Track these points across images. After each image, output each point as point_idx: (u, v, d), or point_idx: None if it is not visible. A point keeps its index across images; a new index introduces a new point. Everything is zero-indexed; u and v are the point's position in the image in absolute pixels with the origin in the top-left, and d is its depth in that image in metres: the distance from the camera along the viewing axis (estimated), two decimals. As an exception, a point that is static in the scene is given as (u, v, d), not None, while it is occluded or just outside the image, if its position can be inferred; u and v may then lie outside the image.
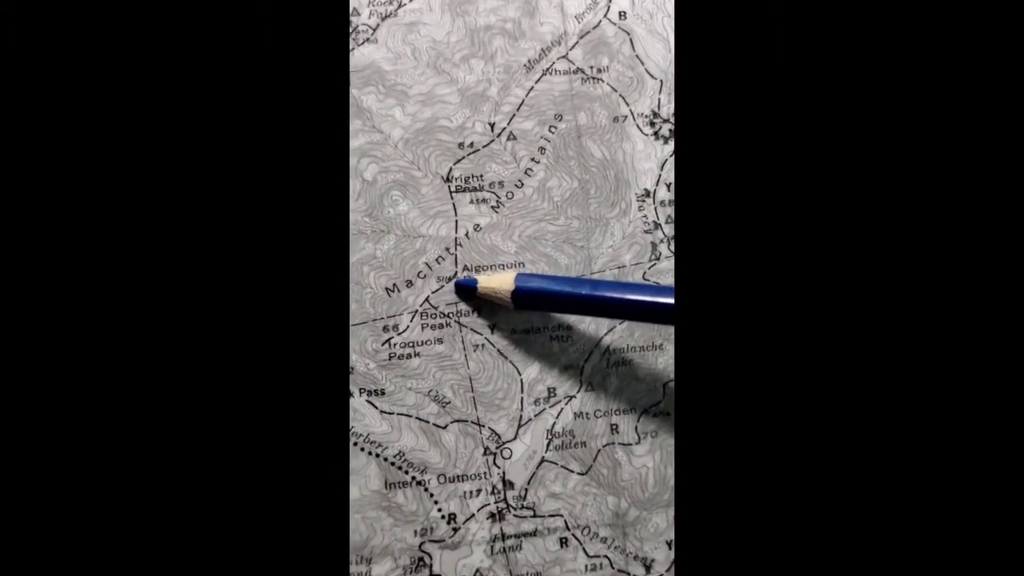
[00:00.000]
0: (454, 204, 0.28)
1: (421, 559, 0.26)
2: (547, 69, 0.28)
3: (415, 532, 0.26)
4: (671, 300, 0.24)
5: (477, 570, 0.27)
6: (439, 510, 0.27)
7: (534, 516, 0.27)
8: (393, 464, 0.27)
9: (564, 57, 0.29)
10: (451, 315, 0.27)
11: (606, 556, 0.27)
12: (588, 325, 0.28)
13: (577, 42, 0.29)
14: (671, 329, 0.28)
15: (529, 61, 0.28)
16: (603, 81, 0.29)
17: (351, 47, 0.27)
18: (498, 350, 0.27)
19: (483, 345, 0.27)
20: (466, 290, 0.27)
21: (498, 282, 0.27)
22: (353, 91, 0.27)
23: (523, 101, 0.28)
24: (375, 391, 0.27)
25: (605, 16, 0.29)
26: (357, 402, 0.26)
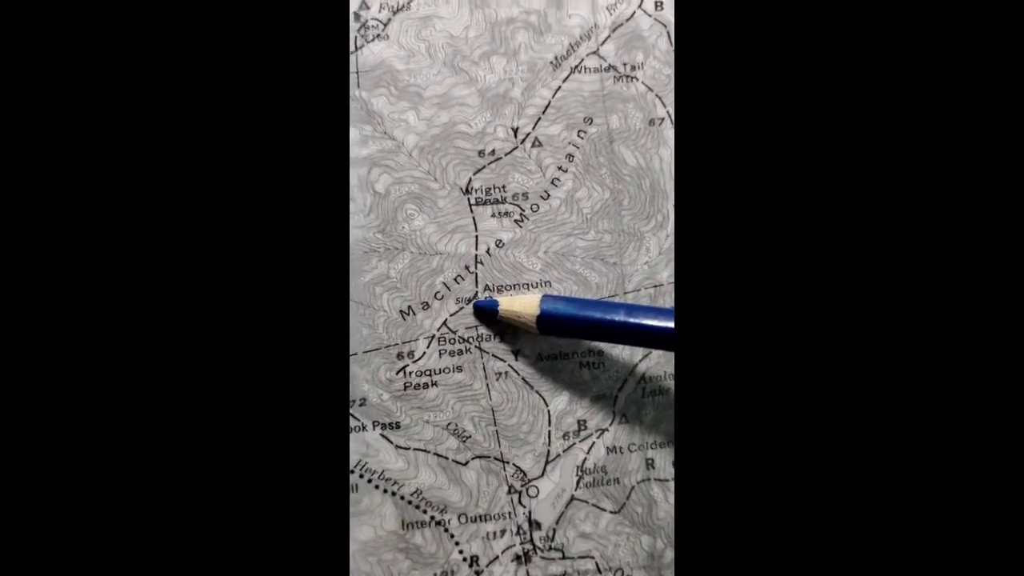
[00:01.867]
0: (474, 218, 0.25)
1: (441, 605, 0.24)
2: (576, 67, 0.26)
3: (435, 575, 0.24)
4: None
5: (501, 616, 0.25)
6: (460, 552, 0.25)
7: (563, 558, 0.25)
8: (410, 503, 0.24)
9: (595, 53, 0.26)
10: (471, 340, 0.25)
11: (641, 601, 0.25)
12: (622, 350, 0.26)
13: (609, 36, 0.26)
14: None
15: (556, 58, 0.26)
16: (637, 80, 0.26)
17: (360, 44, 0.25)
18: (523, 379, 0.25)
19: (506, 373, 0.25)
20: (486, 313, 0.25)
21: (522, 305, 0.24)
22: (363, 93, 0.25)
23: (549, 103, 0.26)
24: (390, 424, 0.24)
25: (639, 7, 0.26)
26: (371, 436, 0.24)
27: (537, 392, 0.25)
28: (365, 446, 0.24)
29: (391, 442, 0.24)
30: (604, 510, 0.25)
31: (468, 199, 0.25)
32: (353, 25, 0.25)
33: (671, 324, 0.22)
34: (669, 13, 0.26)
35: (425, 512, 0.24)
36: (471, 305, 0.25)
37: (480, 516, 0.25)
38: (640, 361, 0.26)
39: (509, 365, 0.25)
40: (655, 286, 0.26)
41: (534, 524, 0.25)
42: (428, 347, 0.25)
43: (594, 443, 0.25)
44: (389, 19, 0.25)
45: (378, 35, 0.25)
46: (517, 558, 0.25)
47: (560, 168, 0.26)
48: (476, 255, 0.25)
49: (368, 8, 0.25)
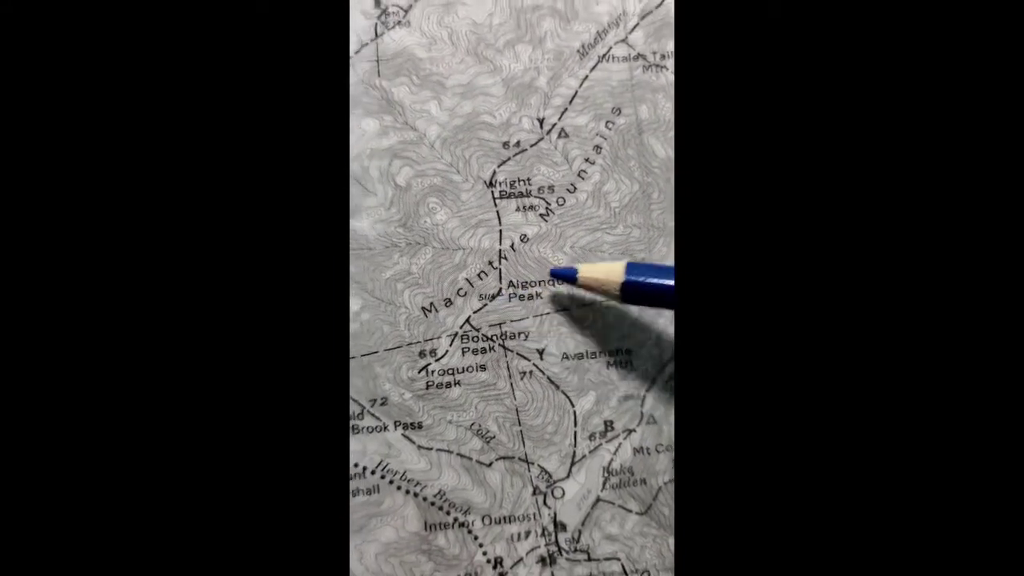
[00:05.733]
0: (498, 212, 0.24)
1: (464, 607, 0.24)
2: (604, 55, 0.25)
3: (457, 578, 0.24)
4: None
5: (526, 619, 0.24)
6: (484, 554, 0.24)
7: (588, 560, 0.25)
8: (433, 504, 0.24)
9: (623, 41, 0.25)
10: (495, 338, 0.24)
11: (668, 604, 0.25)
12: (651, 348, 0.25)
13: (638, 23, 0.25)
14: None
15: (583, 46, 0.25)
16: (668, 69, 0.25)
17: (380, 32, 0.24)
18: (548, 378, 0.25)
19: (531, 372, 0.24)
20: (564, 280, 0.24)
21: (604, 272, 0.23)
22: (383, 82, 0.24)
23: (576, 92, 0.25)
24: (412, 424, 0.24)
25: (671, -8, 0.25)
26: (392, 436, 0.24)
27: (563, 392, 0.25)
28: (387, 446, 0.24)
29: (413, 442, 0.24)
30: (630, 511, 0.25)
31: (492, 192, 0.24)
32: (374, 12, 0.24)
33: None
34: (700, -2, 0.25)
35: (448, 513, 0.24)
36: (495, 301, 0.24)
37: (504, 518, 0.24)
38: (669, 360, 0.25)
39: (534, 364, 0.25)
40: (684, 282, 0.25)
41: (559, 526, 0.24)
42: (451, 345, 0.24)
43: (621, 444, 0.25)
44: (411, 5, 0.24)
45: (399, 22, 0.24)
46: (542, 560, 0.24)
47: (587, 160, 0.25)
48: (500, 250, 0.24)
49: (389, -7, 0.24)
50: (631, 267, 0.23)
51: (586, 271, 0.23)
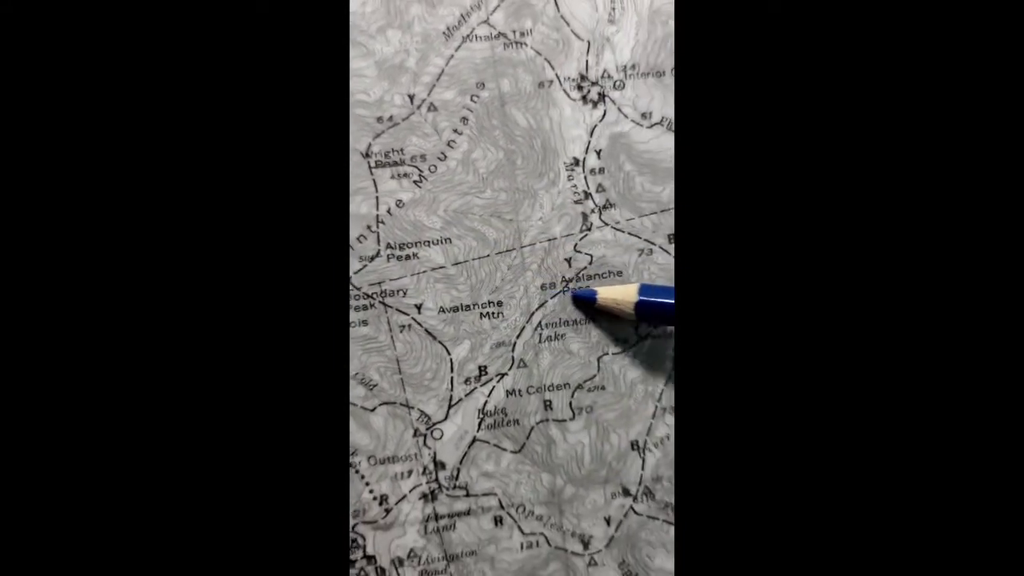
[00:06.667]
0: (374, 180, 0.27)
1: (354, 541, 0.26)
2: (467, 35, 0.27)
3: (348, 515, 0.26)
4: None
5: (411, 550, 0.26)
6: (371, 492, 0.26)
7: (467, 496, 0.27)
8: (323, 448, 0.26)
9: (485, 22, 0.27)
10: (375, 296, 0.27)
11: (542, 534, 0.27)
12: (520, 300, 0.27)
13: (499, 5, 0.27)
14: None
15: (448, 28, 0.27)
16: (526, 45, 0.27)
17: (262, 22, 0.26)
18: (425, 330, 0.27)
19: (410, 326, 0.27)
20: (584, 302, 0.27)
21: (620, 293, 0.26)
22: (267, 68, 0.26)
23: (443, 70, 0.27)
24: (300, 375, 0.26)
25: (527, -24, 0.28)
26: (283, 387, 0.26)
27: (440, 342, 0.27)
28: (279, 396, 0.26)
29: (303, 392, 0.26)
30: (505, 450, 0.27)
31: (368, 162, 0.27)
32: (253, 4, 0.26)
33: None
34: (557, -19, 0.28)
35: (337, 456, 0.26)
36: (373, 262, 0.27)
37: (388, 458, 0.26)
38: (537, 309, 0.27)
39: (412, 318, 0.27)
40: (549, 240, 0.28)
41: (439, 464, 0.27)
42: (335, 303, 0.26)
43: (494, 387, 0.27)
44: (289, -3, 0.27)
45: (279, 12, 0.27)
46: (424, 496, 0.27)
47: (455, 131, 0.27)
48: (377, 215, 0.27)
49: (269, -13, 0.26)
50: (644, 288, 0.26)
51: (604, 293, 0.26)
